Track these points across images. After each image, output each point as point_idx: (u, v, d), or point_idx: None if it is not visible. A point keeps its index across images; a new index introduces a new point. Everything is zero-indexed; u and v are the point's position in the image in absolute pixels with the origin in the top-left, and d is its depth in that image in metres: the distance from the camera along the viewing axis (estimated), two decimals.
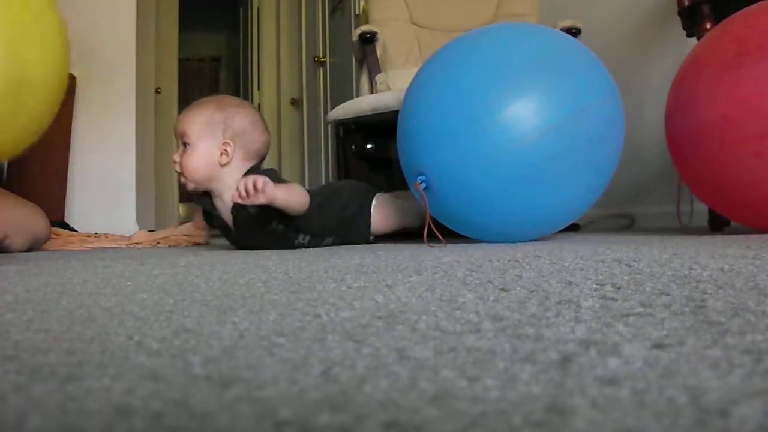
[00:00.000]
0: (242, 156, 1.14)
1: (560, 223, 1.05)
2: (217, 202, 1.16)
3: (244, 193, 0.97)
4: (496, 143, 0.91)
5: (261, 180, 0.97)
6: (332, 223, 1.17)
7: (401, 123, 1.07)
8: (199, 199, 1.19)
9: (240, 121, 1.14)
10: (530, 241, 1.06)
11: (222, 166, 1.12)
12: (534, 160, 0.91)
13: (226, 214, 1.14)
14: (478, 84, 0.94)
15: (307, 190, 1.12)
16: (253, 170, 1.14)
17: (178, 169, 1.14)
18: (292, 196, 1.05)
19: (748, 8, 1.08)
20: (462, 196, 0.97)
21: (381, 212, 1.24)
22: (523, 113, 0.91)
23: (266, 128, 1.20)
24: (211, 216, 1.19)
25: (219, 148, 1.12)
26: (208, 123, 1.13)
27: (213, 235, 1.27)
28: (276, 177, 1.13)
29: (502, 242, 1.04)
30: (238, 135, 1.13)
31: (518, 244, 0.98)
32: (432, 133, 0.97)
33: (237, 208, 1.11)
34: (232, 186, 1.12)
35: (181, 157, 1.13)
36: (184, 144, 1.13)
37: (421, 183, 0.99)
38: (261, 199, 0.97)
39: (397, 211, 1.25)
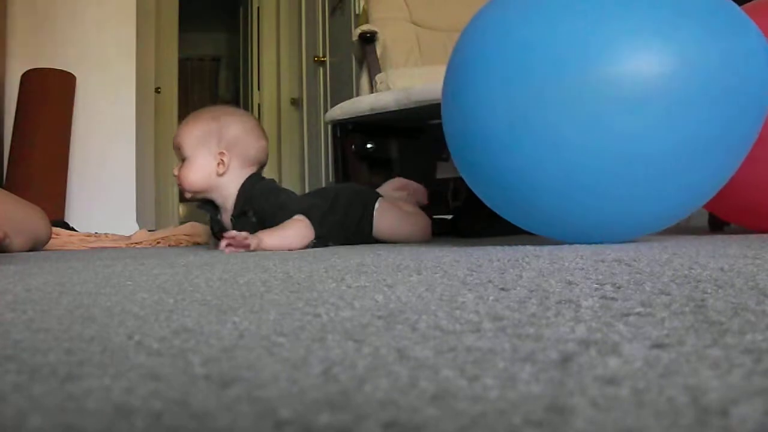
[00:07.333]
0: (240, 164, 1.14)
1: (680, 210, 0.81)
2: (220, 210, 1.16)
3: (232, 241, 0.98)
4: (606, 97, 0.69)
5: (254, 242, 0.97)
6: (334, 231, 1.17)
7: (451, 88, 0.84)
8: (203, 206, 1.19)
9: (234, 130, 1.14)
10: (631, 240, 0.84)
11: (219, 176, 1.12)
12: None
13: (227, 222, 1.15)
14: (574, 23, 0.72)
15: (308, 204, 1.11)
16: (254, 178, 1.14)
17: (177, 182, 1.15)
18: (285, 242, 1.03)
19: (744, 5, 1.08)
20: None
21: (384, 218, 1.23)
22: (638, 57, 0.69)
23: (263, 134, 1.19)
24: (214, 221, 1.19)
25: (215, 158, 1.12)
26: (203, 135, 1.13)
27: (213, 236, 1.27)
28: (274, 189, 1.14)
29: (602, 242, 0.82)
30: (232, 144, 1.13)
31: (518, 244, 0.98)
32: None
33: (237, 216, 1.11)
34: (232, 195, 1.13)
35: (180, 170, 1.13)
36: (182, 158, 1.14)
37: None
38: (250, 247, 0.98)
39: (401, 219, 1.23)
